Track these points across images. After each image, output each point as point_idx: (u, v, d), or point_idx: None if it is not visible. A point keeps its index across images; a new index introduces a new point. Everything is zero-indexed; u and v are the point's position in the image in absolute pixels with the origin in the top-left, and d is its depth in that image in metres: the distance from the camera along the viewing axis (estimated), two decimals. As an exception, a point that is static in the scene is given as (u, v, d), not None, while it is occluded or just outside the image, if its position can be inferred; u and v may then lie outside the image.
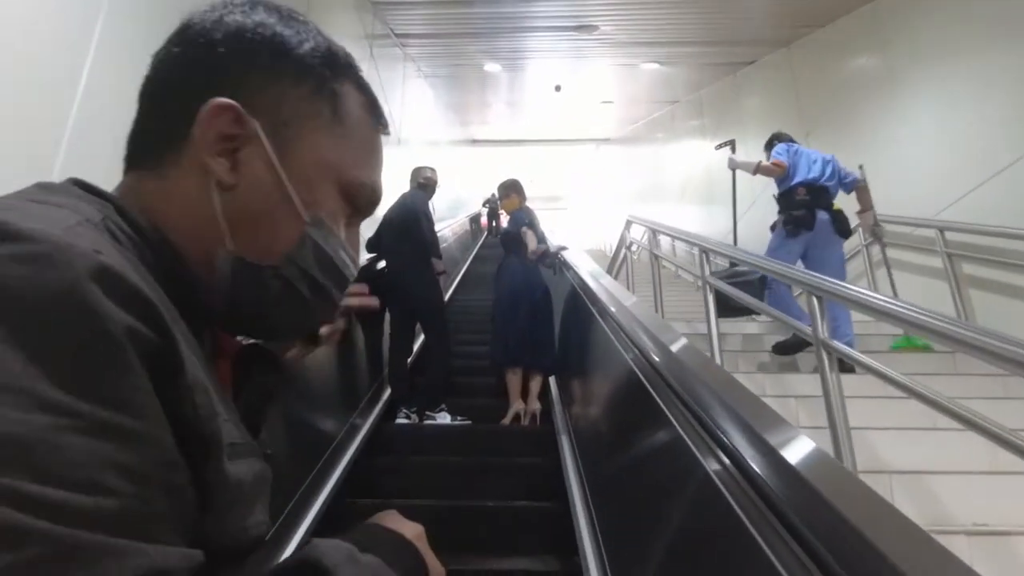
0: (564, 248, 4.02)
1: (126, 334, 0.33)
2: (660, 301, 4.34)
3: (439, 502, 2.53)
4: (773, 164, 3.64)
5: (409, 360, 3.92)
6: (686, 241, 4.16)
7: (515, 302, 3.81)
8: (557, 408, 3.56)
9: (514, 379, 3.72)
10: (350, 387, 3.10)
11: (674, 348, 1.50)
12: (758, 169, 3.77)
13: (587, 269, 3.13)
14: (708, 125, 7.90)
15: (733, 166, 4.27)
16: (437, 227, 4.36)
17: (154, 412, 0.34)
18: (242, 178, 0.46)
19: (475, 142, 13.63)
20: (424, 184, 4.10)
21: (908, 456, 2.36)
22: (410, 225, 3.79)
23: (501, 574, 2.26)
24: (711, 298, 3.12)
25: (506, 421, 3.64)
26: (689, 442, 1.14)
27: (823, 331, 2.14)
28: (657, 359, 1.50)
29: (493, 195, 10.53)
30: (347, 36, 4.62)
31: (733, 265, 3.48)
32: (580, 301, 2.96)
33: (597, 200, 17.14)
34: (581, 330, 2.95)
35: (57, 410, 0.30)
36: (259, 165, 0.46)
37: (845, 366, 2.25)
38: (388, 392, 3.67)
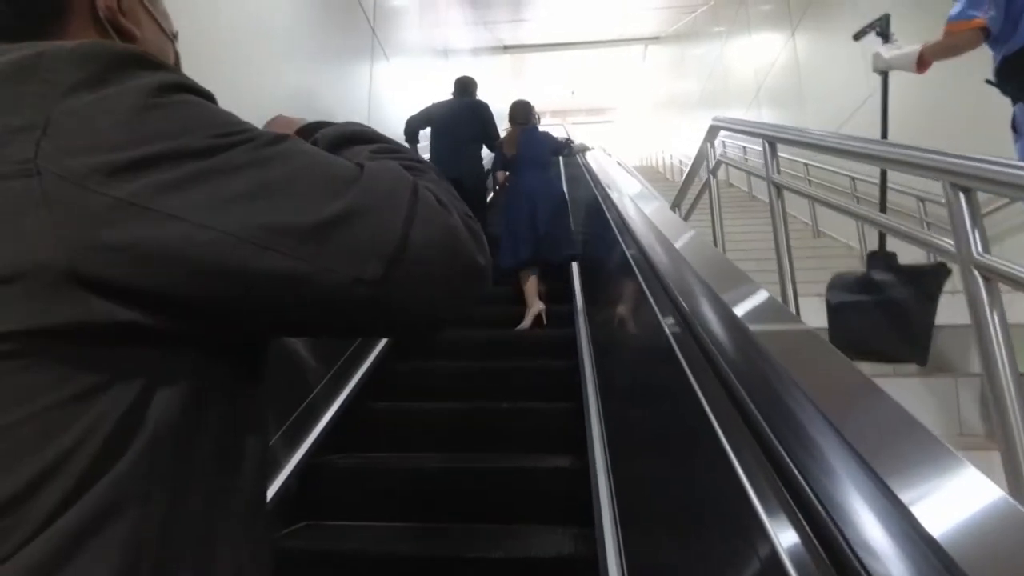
0: (587, 148, 4.67)
1: None
2: (792, 287, 2.00)
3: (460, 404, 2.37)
4: (954, 30, 1.99)
5: None
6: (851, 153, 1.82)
7: (523, 205, 3.79)
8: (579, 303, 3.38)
9: (530, 279, 3.59)
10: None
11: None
12: (933, 53, 2.08)
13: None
14: (795, 3, 6.27)
15: (883, 67, 2.39)
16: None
17: None
18: (134, 22, 0.54)
19: (507, 48, 11.98)
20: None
21: None
22: (475, 112, 4.22)
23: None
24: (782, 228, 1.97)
25: (526, 324, 3.42)
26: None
27: None
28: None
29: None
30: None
31: (868, 277, 1.94)
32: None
33: (647, 111, 15.34)
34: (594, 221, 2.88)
35: None
36: (136, 6, 0.55)
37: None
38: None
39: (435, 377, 2.60)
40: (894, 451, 0.45)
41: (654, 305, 1.19)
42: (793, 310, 1.88)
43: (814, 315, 1.95)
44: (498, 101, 11.56)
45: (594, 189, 2.92)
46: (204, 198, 0.38)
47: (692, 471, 0.84)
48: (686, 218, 3.51)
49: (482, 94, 4.80)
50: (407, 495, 1.83)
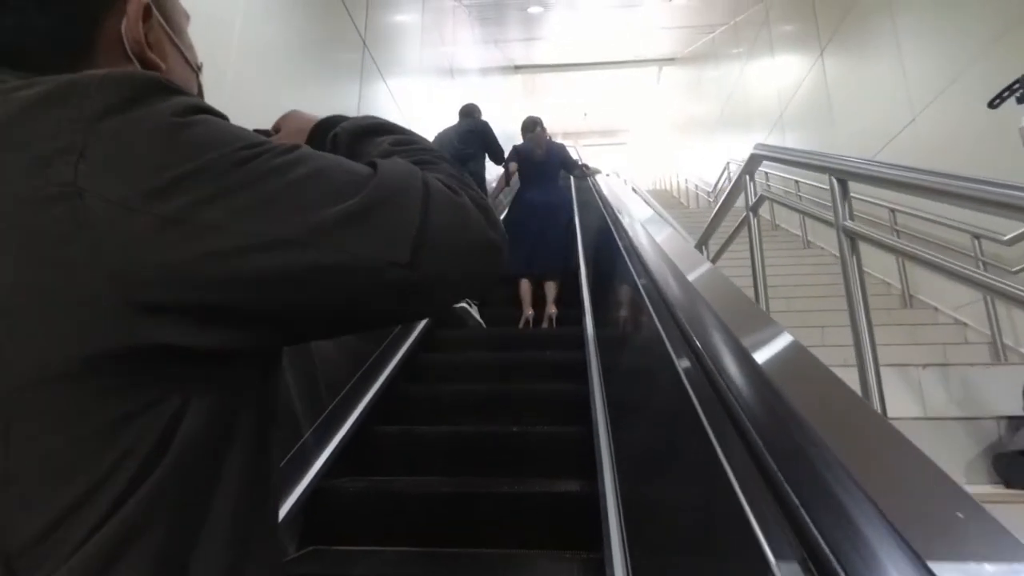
0: (597, 171, 4.51)
1: None
2: (874, 371, 1.55)
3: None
4: None
5: None
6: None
7: (531, 216, 4.02)
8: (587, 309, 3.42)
9: (526, 287, 3.92)
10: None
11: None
12: None
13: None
14: (823, 23, 5.89)
15: None
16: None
17: None
18: (160, 55, 0.55)
19: (518, 68, 11.69)
20: (484, 121, 4.55)
21: None
22: (477, 133, 4.36)
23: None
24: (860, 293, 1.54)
25: (520, 326, 3.82)
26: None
27: None
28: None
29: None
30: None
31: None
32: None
33: (661, 133, 14.95)
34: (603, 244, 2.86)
35: None
36: (164, 41, 0.56)
37: None
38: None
39: (443, 401, 2.57)
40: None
41: (666, 342, 1.08)
42: (877, 404, 1.43)
43: (902, 404, 1.51)
44: (509, 122, 11.29)
45: (609, 225, 2.53)
46: (242, 206, 0.40)
47: (710, 546, 0.76)
48: (714, 259, 3.06)
49: (492, 115, 4.89)
50: (416, 519, 1.81)
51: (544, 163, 4.29)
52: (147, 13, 0.53)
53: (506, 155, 4.52)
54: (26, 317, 0.37)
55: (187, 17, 0.62)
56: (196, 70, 0.61)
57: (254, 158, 0.42)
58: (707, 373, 0.76)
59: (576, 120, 16.45)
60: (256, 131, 0.50)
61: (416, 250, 0.44)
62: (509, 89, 11.36)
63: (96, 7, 0.50)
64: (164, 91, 0.42)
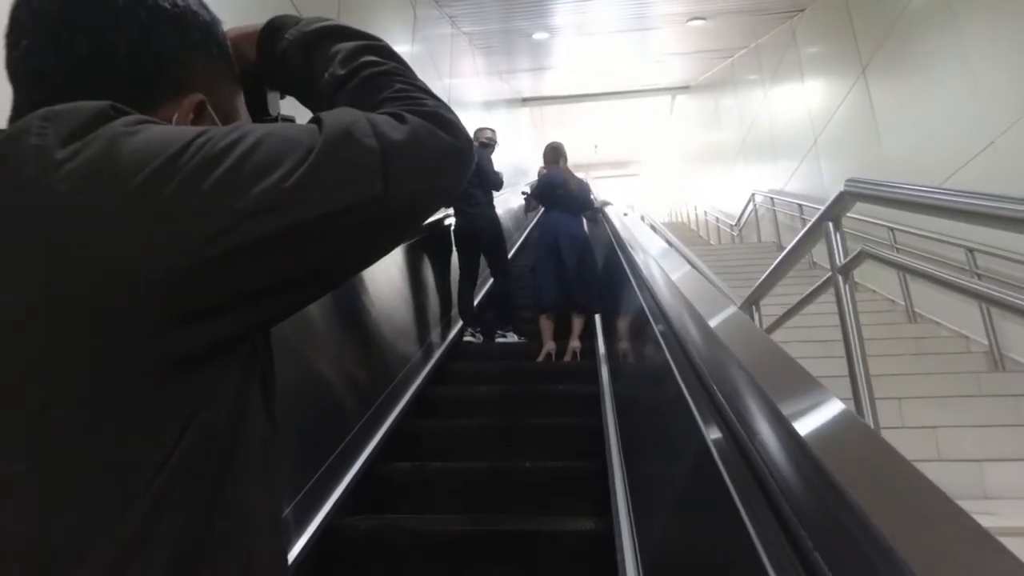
0: (608, 203, 4.50)
1: None
2: None
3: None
4: None
5: (475, 292, 4.42)
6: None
7: (555, 253, 3.99)
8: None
9: (547, 322, 3.93)
10: (426, 314, 3.52)
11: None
12: None
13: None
14: (863, 40, 5.24)
15: None
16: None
17: None
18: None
19: (525, 101, 11.19)
20: (486, 144, 4.49)
21: None
22: (478, 171, 4.11)
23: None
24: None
25: (539, 359, 3.82)
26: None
27: None
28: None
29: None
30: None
31: None
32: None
33: (675, 163, 14.33)
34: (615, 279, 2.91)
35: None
36: (218, 110, 0.57)
37: None
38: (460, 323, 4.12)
39: (456, 436, 2.61)
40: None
41: (691, 404, 0.97)
42: None
43: None
44: (516, 157, 10.72)
45: (627, 272, 2.01)
46: (215, 188, 0.42)
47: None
48: (771, 330, 2.32)
49: (498, 149, 4.74)
50: (431, 553, 1.83)
51: (571, 197, 4.20)
52: (200, 108, 0.55)
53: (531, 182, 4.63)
54: (46, 339, 0.39)
55: (246, 119, 0.64)
56: None
57: (205, 143, 0.43)
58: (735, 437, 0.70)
59: (587, 152, 15.93)
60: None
61: (386, 178, 0.46)
62: (515, 122, 10.85)
63: (157, 97, 0.53)
64: (114, 112, 0.44)
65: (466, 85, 7.13)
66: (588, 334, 3.96)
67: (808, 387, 0.67)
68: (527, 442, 2.51)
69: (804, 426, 0.57)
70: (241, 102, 0.63)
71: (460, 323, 4.16)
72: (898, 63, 4.78)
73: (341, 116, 0.49)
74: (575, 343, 3.85)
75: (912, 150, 4.59)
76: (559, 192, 4.15)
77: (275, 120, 0.68)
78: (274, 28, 0.64)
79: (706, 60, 9.29)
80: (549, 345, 3.85)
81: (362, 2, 4.00)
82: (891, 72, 4.90)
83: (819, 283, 1.88)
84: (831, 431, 0.58)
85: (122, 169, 0.41)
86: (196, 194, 0.41)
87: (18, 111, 0.49)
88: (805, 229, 1.95)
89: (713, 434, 0.84)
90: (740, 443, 0.69)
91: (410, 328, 3.17)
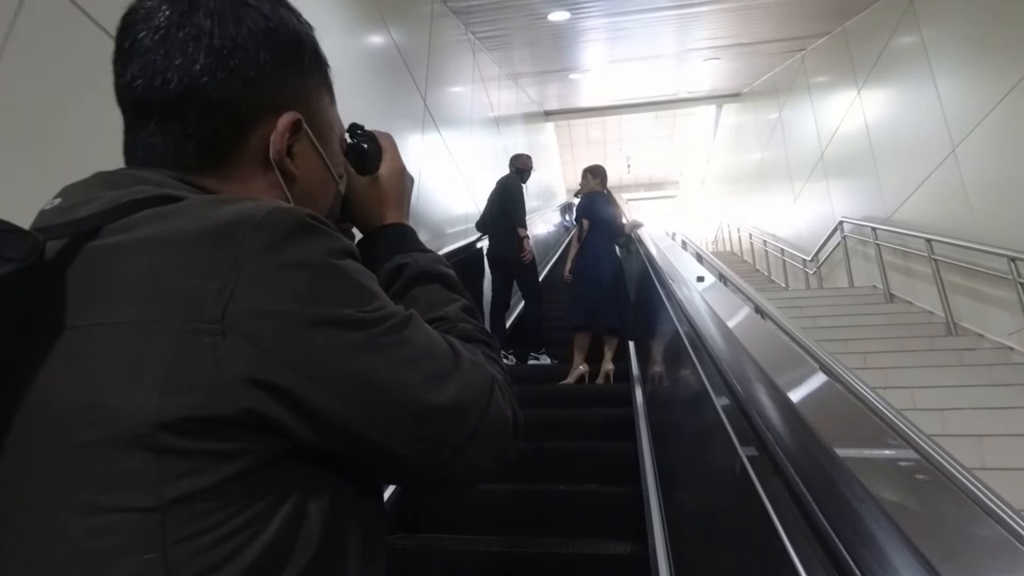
0: (638, 224, 4.48)
1: None
2: None
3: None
4: None
5: (506, 315, 4.71)
6: None
7: (589, 273, 4.05)
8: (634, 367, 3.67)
9: (581, 343, 3.94)
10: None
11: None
12: None
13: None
14: (859, 61, 5.20)
15: None
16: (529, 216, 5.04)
17: None
18: (301, 167, 0.57)
19: (548, 114, 10.79)
20: (521, 169, 4.79)
21: None
22: (506, 204, 4.54)
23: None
24: None
25: (569, 380, 3.85)
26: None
27: None
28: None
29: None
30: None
31: None
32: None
33: (713, 184, 13.38)
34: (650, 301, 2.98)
35: None
36: (308, 151, 0.58)
37: None
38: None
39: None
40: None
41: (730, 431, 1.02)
42: None
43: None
44: (546, 174, 10.70)
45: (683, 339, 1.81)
46: (358, 369, 0.45)
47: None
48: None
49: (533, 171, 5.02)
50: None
51: (608, 221, 4.29)
52: (296, 127, 0.55)
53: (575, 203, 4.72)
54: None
55: (341, 128, 0.65)
56: (337, 179, 0.64)
57: (374, 323, 0.46)
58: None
59: (620, 173, 15.85)
60: (354, 127, 0.69)
61: (455, 455, 0.49)
62: (544, 141, 10.91)
63: (252, 120, 0.53)
64: (311, 232, 0.46)
65: (501, 100, 7.26)
66: (620, 356, 3.96)
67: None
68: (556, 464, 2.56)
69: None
70: (336, 114, 0.63)
71: None
72: (884, 83, 5.24)
73: (475, 376, 0.52)
74: (609, 366, 3.89)
75: (894, 166, 5.01)
76: (599, 216, 4.25)
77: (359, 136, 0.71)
78: (407, 236, 0.70)
79: (764, 59, 7.81)
80: (583, 367, 3.88)
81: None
82: (881, 92, 5.45)
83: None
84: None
85: (291, 304, 0.45)
86: (340, 363, 0.46)
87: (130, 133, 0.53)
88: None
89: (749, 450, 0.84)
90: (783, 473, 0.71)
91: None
